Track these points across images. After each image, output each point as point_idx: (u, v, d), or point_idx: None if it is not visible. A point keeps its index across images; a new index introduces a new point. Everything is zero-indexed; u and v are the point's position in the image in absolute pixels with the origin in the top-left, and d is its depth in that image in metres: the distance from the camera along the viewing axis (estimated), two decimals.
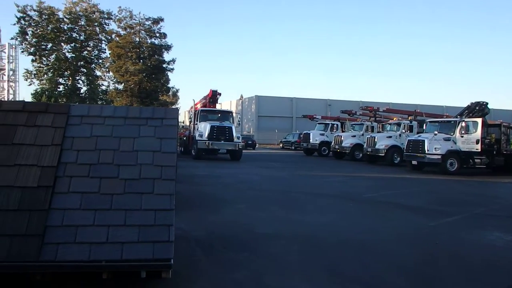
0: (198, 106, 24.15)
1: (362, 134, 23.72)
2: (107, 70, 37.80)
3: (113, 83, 38.16)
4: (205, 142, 18.51)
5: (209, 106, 22.40)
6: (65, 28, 35.17)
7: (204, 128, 19.02)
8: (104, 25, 36.85)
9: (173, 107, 65.52)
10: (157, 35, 35.65)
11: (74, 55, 35.67)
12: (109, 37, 36.67)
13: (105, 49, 37.11)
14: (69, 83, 35.72)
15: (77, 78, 36.43)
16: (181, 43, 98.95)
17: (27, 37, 34.39)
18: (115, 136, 3.74)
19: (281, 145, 40.78)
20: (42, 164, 3.29)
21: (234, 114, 22.10)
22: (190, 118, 22.89)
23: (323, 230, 6.21)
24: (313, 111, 36.51)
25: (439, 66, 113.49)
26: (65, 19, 35.01)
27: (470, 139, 16.39)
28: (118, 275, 3.28)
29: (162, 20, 35.54)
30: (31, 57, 35.09)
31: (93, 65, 37.62)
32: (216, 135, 18.75)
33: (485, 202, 9.96)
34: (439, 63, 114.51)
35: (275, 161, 21.28)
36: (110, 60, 36.14)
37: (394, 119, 24.40)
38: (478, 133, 16.27)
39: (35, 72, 35.08)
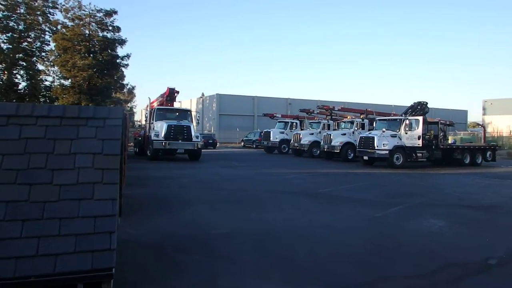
0: (155, 104, 23.50)
1: (319, 132, 24.93)
2: (51, 64, 35.04)
3: (58, 79, 35.58)
4: (162, 142, 18.06)
5: (166, 105, 21.87)
6: (0, 15, 31.97)
7: (160, 127, 18.54)
8: (48, 15, 34.12)
9: (129, 105, 63.51)
10: (110, 28, 33.88)
11: (11, 47, 32.58)
12: (54, 28, 33.98)
13: (49, 41, 34.37)
14: (4, 78, 32.56)
15: (15, 72, 33.34)
16: (139, 40, 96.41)
17: None
18: (49, 138, 3.47)
19: (242, 143, 40.84)
20: None
21: (193, 113, 21.66)
22: (146, 117, 22.16)
23: (279, 226, 6.38)
24: (274, 110, 37.00)
25: (389, 67, 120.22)
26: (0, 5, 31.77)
27: (413, 135, 18.18)
28: None
29: (115, 12, 33.87)
30: None
31: (35, 58, 34.59)
32: (174, 134, 18.35)
33: (425, 192, 10.99)
34: (390, 65, 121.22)
35: (235, 160, 21.26)
36: (55, 54, 33.62)
37: (348, 117, 25.79)
38: (419, 130, 18.11)
39: None
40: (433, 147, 18.86)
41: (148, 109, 21.55)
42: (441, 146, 19.29)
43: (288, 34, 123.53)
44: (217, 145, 36.60)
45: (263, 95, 54.03)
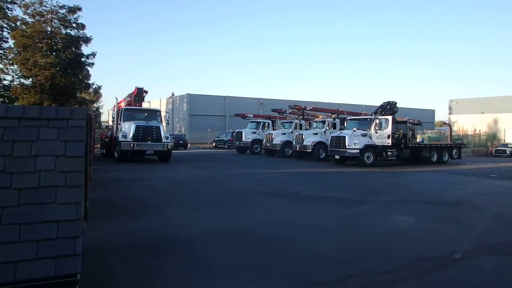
0: (122, 104, 23.00)
1: (291, 132, 25.22)
2: (10, 62, 33.43)
3: (18, 78, 34.01)
4: (130, 143, 17.70)
5: (134, 105, 21.50)
6: None
7: (128, 128, 18.16)
8: (7, 10, 32.49)
9: (95, 105, 61.69)
10: (74, 25, 32.76)
11: None
12: (13, 25, 32.38)
13: (8, 38, 32.73)
14: None
15: None
16: (106, 38, 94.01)
17: None
18: (7, 139, 3.35)
19: (214, 144, 40.62)
20: None
21: (162, 113, 21.35)
22: (113, 117, 21.62)
23: (251, 226, 6.44)
24: (246, 110, 37.09)
25: (360, 67, 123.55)
26: None
27: (383, 134, 18.83)
28: None
29: (79, 9, 32.76)
30: None
31: None
32: (142, 135, 18.03)
33: (394, 189, 11.39)
34: (361, 65, 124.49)
35: (207, 161, 21.14)
36: (14, 51, 32.10)
37: (320, 117, 26.15)
38: (389, 129, 18.78)
39: None
40: (402, 145, 19.57)
41: (115, 110, 21.05)
42: (410, 145, 20.03)
43: (288, 34, 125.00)
44: (188, 146, 36.25)
45: (235, 95, 54.10)
